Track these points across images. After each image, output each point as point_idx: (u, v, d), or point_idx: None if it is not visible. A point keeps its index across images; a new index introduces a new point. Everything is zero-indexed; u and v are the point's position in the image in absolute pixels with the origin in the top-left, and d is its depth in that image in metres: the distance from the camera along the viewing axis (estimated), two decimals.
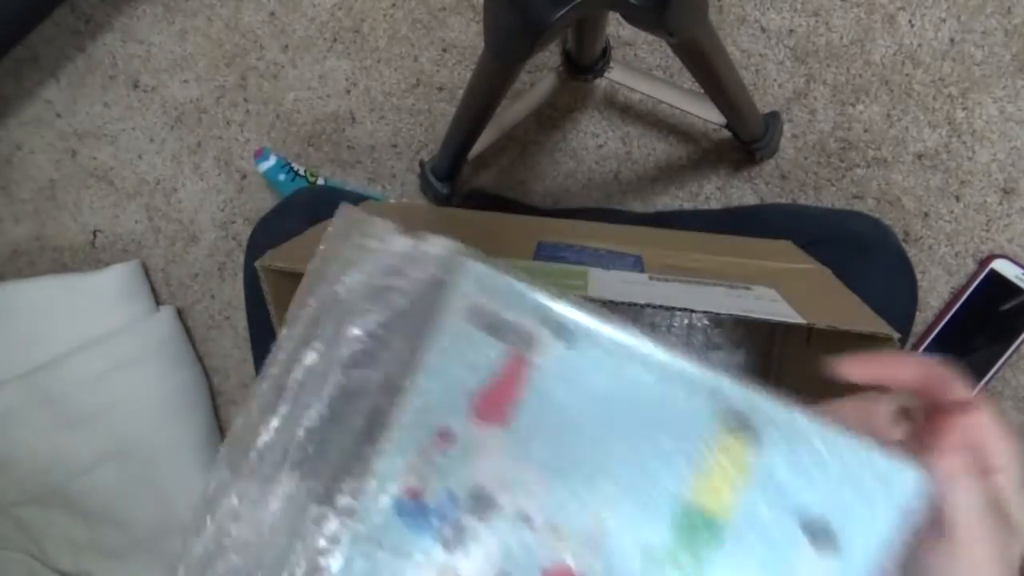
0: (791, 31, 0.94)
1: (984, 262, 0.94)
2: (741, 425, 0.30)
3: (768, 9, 0.94)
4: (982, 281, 0.93)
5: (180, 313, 1.02)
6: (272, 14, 0.99)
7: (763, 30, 0.94)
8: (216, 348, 1.04)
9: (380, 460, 0.31)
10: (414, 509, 0.31)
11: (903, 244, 0.78)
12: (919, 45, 0.93)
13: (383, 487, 0.31)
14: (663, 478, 0.30)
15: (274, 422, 0.32)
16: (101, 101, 1.01)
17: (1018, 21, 0.92)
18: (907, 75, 0.94)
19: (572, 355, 0.30)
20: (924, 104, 0.94)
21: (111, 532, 0.97)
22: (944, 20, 0.92)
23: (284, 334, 0.32)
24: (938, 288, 0.96)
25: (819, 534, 0.30)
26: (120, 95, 1.01)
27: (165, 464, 0.97)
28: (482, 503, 0.31)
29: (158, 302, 1.02)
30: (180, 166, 1.01)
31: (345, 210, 0.32)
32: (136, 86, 1.01)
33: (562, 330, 0.30)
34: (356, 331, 0.31)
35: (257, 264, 0.50)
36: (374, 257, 0.31)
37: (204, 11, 1.00)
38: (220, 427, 1.03)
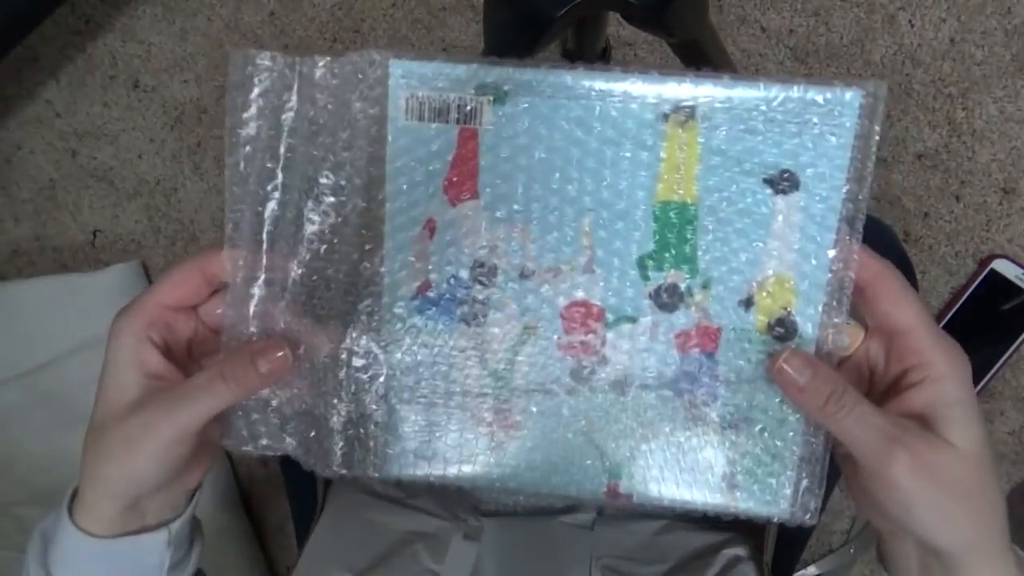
0: (791, 31, 0.94)
1: (984, 262, 0.94)
2: (687, 116, 0.31)
3: (768, 9, 0.94)
4: (982, 281, 0.93)
5: None
6: (272, 14, 0.99)
7: (763, 30, 0.94)
8: None
9: (384, 273, 0.33)
10: (430, 303, 0.33)
11: (903, 244, 0.78)
12: (919, 45, 0.93)
13: (395, 296, 0.33)
14: (632, 190, 0.32)
15: (262, 277, 0.33)
16: (101, 101, 1.01)
17: (1018, 21, 0.92)
18: (907, 75, 0.94)
19: (511, 110, 0.32)
20: (924, 104, 0.94)
21: None
22: (944, 20, 0.92)
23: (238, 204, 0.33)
24: (938, 288, 0.96)
25: (781, 182, 0.31)
26: (120, 95, 1.01)
27: None
28: (484, 273, 0.33)
29: None
30: (180, 166, 1.01)
31: (238, 58, 0.32)
32: (136, 86, 1.01)
33: (497, 91, 0.32)
34: (324, 179, 0.32)
35: None
36: (305, 91, 0.32)
37: (204, 11, 1.00)
38: None
